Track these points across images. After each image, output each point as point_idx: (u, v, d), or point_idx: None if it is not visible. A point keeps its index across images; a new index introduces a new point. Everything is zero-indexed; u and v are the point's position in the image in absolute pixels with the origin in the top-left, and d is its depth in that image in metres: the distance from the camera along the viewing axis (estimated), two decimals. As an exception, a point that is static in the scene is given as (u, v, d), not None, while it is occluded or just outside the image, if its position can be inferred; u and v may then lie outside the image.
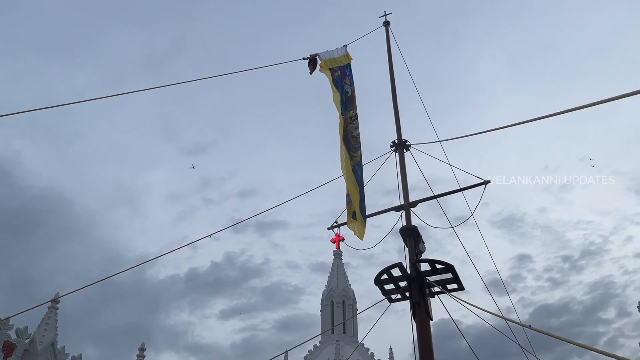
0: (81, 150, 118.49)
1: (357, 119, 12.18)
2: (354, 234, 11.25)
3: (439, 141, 13.70)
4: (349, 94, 12.48)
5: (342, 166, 11.68)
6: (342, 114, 11.96)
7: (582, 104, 6.87)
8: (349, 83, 12.70)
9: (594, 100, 6.57)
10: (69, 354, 30.36)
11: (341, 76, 12.61)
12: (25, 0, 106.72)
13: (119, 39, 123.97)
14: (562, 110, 7.48)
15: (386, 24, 16.12)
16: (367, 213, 12.51)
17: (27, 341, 27.02)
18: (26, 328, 27.58)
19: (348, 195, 11.47)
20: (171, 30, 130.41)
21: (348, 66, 13.09)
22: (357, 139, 11.91)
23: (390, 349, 43.96)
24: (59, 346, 29.25)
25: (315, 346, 46.19)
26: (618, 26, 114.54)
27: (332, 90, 12.35)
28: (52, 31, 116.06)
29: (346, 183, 11.42)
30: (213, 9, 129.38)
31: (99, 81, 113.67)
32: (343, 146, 11.67)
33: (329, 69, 12.54)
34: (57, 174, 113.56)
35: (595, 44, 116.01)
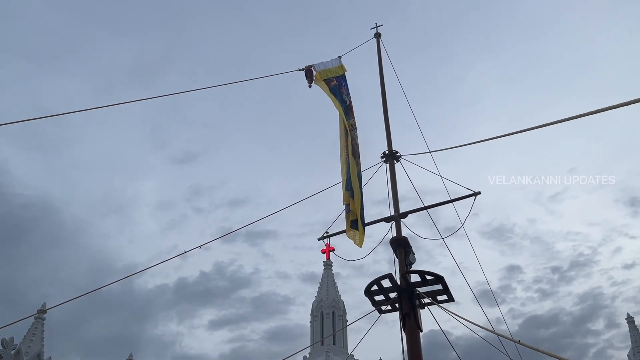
0: (70, 158, 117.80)
1: (356, 128, 12.22)
2: (354, 243, 11.16)
3: (429, 152, 13.79)
4: (347, 103, 12.50)
5: (343, 172, 11.59)
6: (348, 120, 11.94)
7: (570, 116, 6.95)
8: (345, 93, 12.74)
9: (583, 112, 6.65)
10: (55, 365, 30.01)
11: (338, 86, 12.62)
12: (15, 8, 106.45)
13: (109, 46, 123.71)
14: (549, 122, 7.56)
15: (377, 35, 16.24)
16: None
17: (12, 352, 26.67)
18: (12, 339, 27.23)
19: (347, 205, 11.39)
20: (162, 38, 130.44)
21: (343, 77, 13.14)
22: (358, 147, 11.93)
23: (380, 360, 43.81)
24: (45, 357, 28.90)
25: (304, 357, 45.96)
26: (606, 40, 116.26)
27: (330, 99, 12.31)
28: (42, 39, 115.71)
29: (353, 189, 11.22)
30: (204, 18, 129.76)
31: (89, 89, 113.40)
32: (350, 152, 11.58)
33: (324, 80, 12.56)
34: (45, 182, 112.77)
35: (584, 57, 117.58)
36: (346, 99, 12.54)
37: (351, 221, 11.22)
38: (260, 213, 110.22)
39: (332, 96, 12.28)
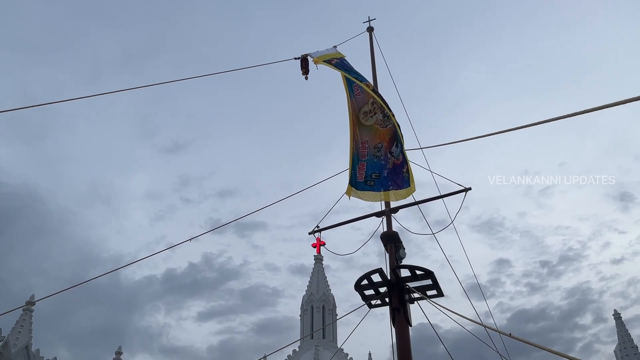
0: (56, 148, 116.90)
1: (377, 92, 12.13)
2: (403, 198, 11.74)
3: (420, 148, 13.80)
4: (355, 72, 12.33)
5: (377, 130, 11.84)
6: (362, 81, 11.79)
7: (560, 115, 6.99)
8: (352, 68, 12.54)
9: (572, 111, 6.69)
10: (43, 357, 29.86)
11: (341, 63, 12.43)
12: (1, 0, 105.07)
13: (98, 35, 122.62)
14: (540, 120, 7.59)
15: (370, 29, 16.22)
16: (349, 218, 12.64)
17: (0, 344, 26.52)
18: (0, 330, 27.05)
19: (390, 166, 11.60)
20: (151, 27, 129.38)
21: (345, 59, 13.00)
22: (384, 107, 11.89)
23: (370, 354, 44.03)
24: (33, 349, 28.74)
25: (294, 351, 46.09)
26: (596, 40, 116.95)
27: (336, 70, 12.05)
28: (30, 29, 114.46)
29: (402, 148, 11.44)
30: (194, 9, 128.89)
31: (77, 78, 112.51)
32: (385, 105, 11.51)
33: (324, 61, 12.33)
34: (30, 171, 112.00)
35: (574, 56, 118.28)
36: (354, 70, 12.36)
37: (403, 180, 11.62)
38: (249, 204, 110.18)
39: (337, 68, 12.05)
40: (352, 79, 11.86)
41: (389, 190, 11.92)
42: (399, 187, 11.84)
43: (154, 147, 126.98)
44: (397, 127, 11.51)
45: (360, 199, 12.30)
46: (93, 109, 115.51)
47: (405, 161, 11.69)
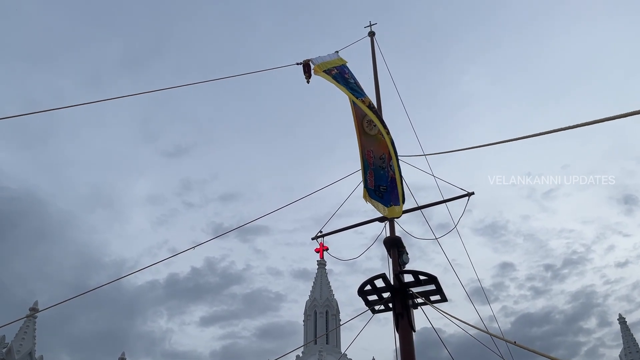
0: (58, 152, 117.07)
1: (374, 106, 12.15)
2: (393, 216, 11.63)
3: (424, 155, 13.81)
4: (355, 84, 12.30)
5: (380, 140, 11.83)
6: (359, 97, 11.75)
7: (563, 126, 6.99)
8: (350, 76, 12.47)
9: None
10: (46, 363, 29.82)
11: (340, 73, 12.38)
12: (3, 3, 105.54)
13: (99, 40, 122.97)
14: (544, 130, 7.60)
15: (371, 34, 16.24)
16: (353, 223, 12.63)
17: (4, 350, 26.52)
18: (3, 337, 27.05)
19: (389, 179, 11.59)
20: (152, 31, 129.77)
21: (345, 66, 12.95)
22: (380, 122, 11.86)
23: (373, 359, 43.88)
24: (37, 355, 28.73)
25: (298, 356, 45.97)
26: (599, 44, 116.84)
27: (335, 85, 12.03)
28: (31, 35, 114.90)
29: (393, 161, 11.40)
30: (195, 12, 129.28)
31: (79, 83, 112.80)
32: (379, 122, 11.47)
33: (324, 71, 12.29)
34: (31, 175, 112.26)
35: (576, 60, 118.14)
36: (352, 81, 12.31)
37: (393, 196, 11.49)
38: (251, 208, 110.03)
39: (336, 82, 11.98)
40: (349, 94, 11.85)
41: (389, 206, 11.88)
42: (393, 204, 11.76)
43: (156, 151, 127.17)
44: (391, 145, 11.37)
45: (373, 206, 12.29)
46: (94, 113, 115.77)
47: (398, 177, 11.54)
